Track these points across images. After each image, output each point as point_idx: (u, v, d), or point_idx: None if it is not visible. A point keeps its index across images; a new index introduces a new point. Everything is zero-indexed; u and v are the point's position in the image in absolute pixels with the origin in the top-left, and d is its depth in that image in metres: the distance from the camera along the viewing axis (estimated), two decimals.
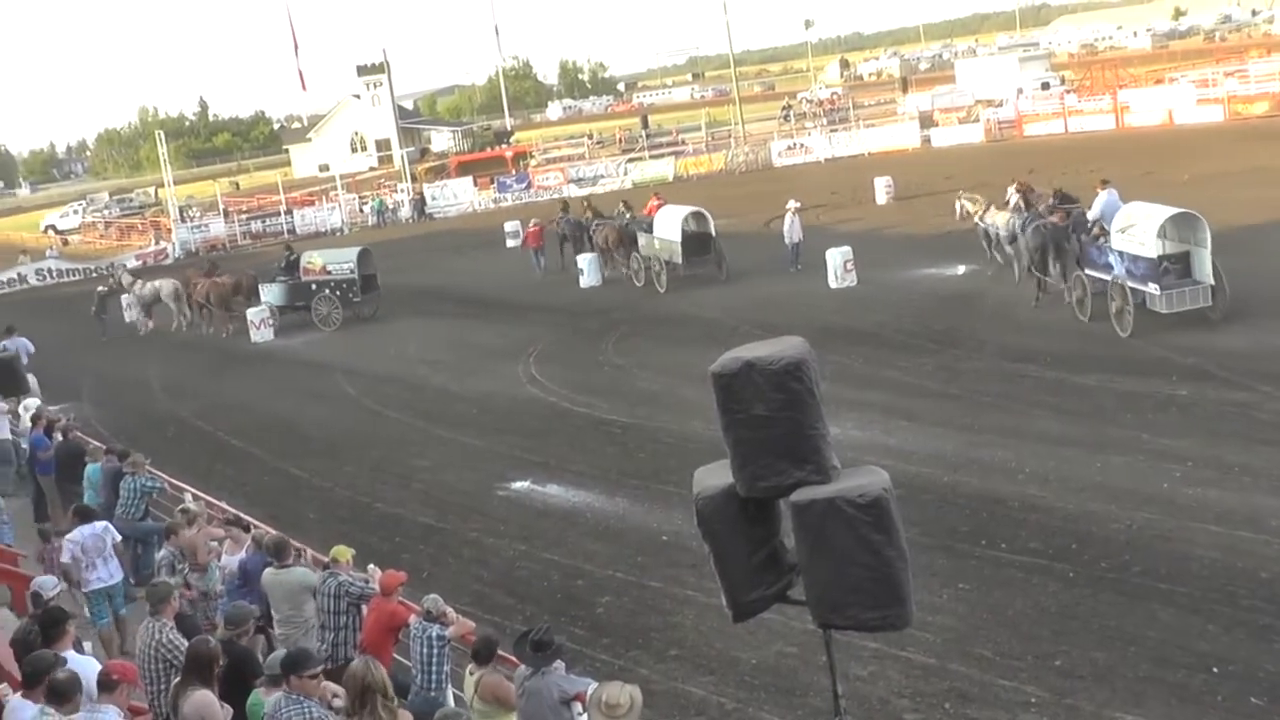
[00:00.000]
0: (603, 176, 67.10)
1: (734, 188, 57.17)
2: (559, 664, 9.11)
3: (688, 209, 34.57)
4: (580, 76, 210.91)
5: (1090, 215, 24.97)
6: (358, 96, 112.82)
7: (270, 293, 36.46)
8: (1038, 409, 19.05)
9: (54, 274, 58.18)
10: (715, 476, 6.48)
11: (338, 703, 8.64)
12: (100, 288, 41.13)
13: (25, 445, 20.56)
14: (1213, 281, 22.16)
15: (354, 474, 20.73)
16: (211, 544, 13.36)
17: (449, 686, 10.31)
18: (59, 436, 19.10)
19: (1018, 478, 16.20)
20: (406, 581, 11.33)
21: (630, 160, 69.54)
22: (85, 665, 9.31)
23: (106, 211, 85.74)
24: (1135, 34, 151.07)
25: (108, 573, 13.82)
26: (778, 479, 6.16)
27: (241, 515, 14.67)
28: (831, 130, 70.28)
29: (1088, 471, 16.01)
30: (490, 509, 18.15)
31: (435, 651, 10.18)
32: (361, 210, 67.52)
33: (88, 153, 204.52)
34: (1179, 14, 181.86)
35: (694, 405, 20.14)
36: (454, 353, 29.83)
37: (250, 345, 34.65)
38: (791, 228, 33.96)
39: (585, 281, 36.06)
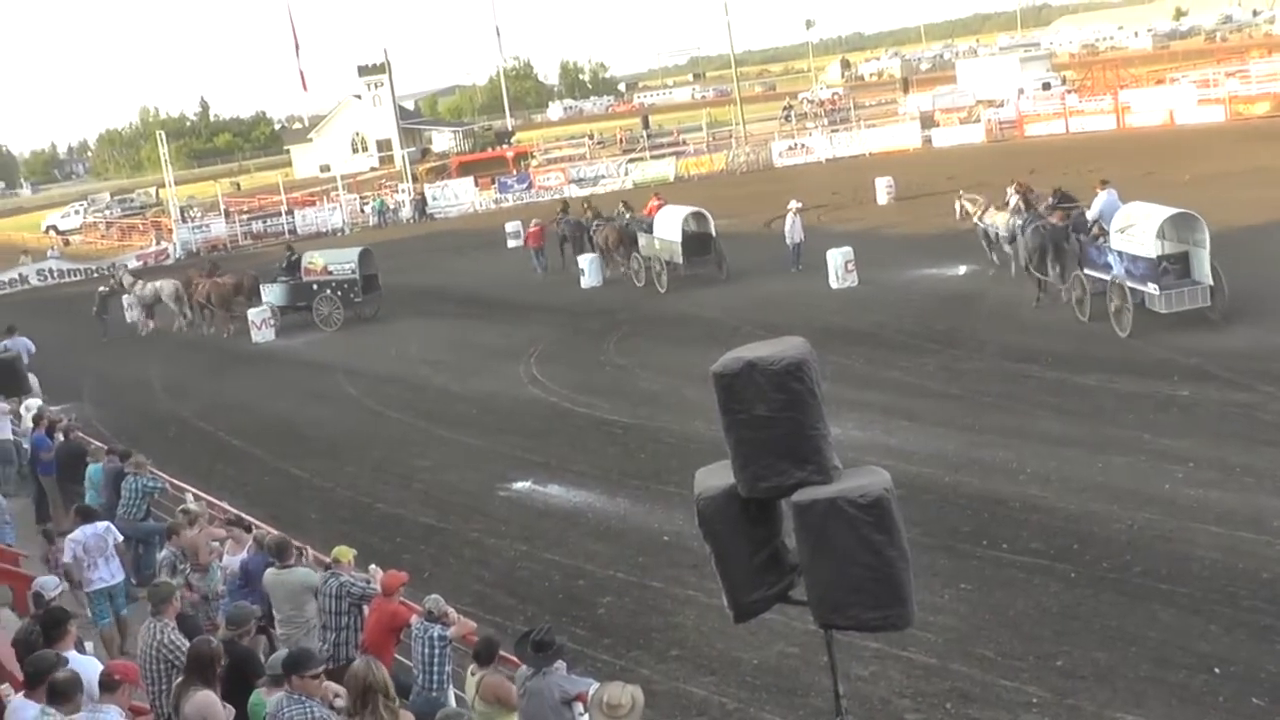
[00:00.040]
0: (604, 177, 67.11)
1: (735, 188, 57.17)
2: (560, 664, 9.12)
3: (688, 209, 34.59)
4: (581, 77, 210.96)
5: (1090, 215, 25.02)
6: (359, 97, 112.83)
7: (271, 293, 36.45)
8: (1039, 409, 19.04)
9: (55, 274, 58.21)
10: (717, 477, 6.48)
11: (339, 703, 8.65)
12: (101, 288, 41.15)
13: (27, 445, 20.57)
14: (1212, 281, 22.18)
15: (355, 474, 20.74)
16: (213, 544, 13.36)
17: (450, 687, 10.31)
18: (60, 437, 19.10)
19: (1019, 478, 16.20)
20: (408, 582, 11.33)
21: (631, 160, 69.56)
22: (87, 665, 9.32)
23: (108, 212, 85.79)
24: (1136, 34, 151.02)
25: (109, 572, 13.83)
26: (779, 479, 6.16)
27: (243, 515, 14.66)
28: (832, 130, 70.27)
29: (1089, 472, 16.00)
30: (491, 509, 18.15)
31: (437, 652, 10.18)
32: (362, 210, 67.56)
33: (89, 153, 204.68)
34: (1180, 14, 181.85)
35: (695, 405, 20.14)
36: (455, 353, 29.83)
37: (251, 345, 34.66)
38: (793, 228, 33.96)
39: (586, 282, 36.06)
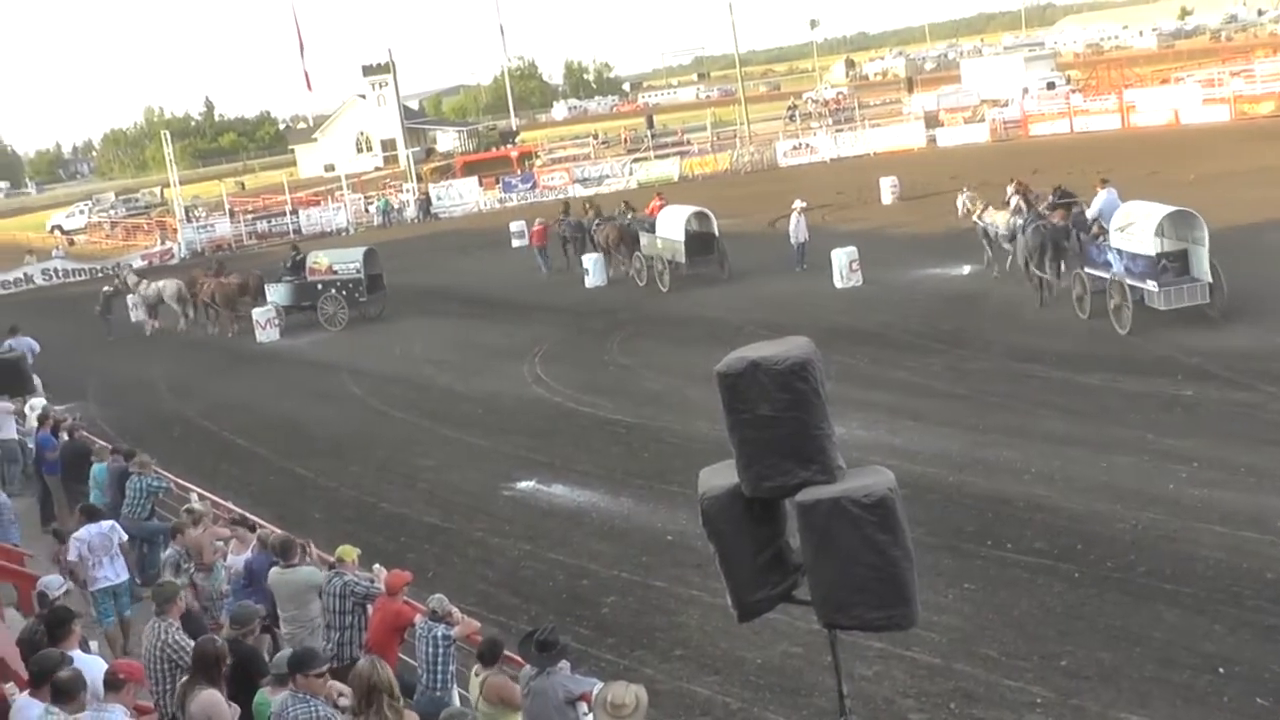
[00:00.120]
0: (608, 176, 67.13)
1: (739, 188, 57.18)
2: (564, 664, 9.12)
3: (691, 209, 34.64)
4: (585, 76, 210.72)
5: (1090, 214, 25.25)
6: (363, 97, 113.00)
7: (276, 293, 36.47)
8: (1044, 409, 19.03)
9: (60, 274, 58.26)
10: (720, 476, 6.48)
11: (344, 701, 8.66)
12: (106, 288, 41.18)
13: (31, 445, 20.61)
14: (1210, 279, 22.29)
15: (359, 474, 20.75)
16: (217, 544, 13.38)
17: (454, 686, 10.32)
18: (64, 436, 19.14)
19: (1024, 478, 16.19)
20: (412, 581, 11.33)
21: (635, 160, 69.59)
22: (91, 665, 9.33)
23: (112, 211, 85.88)
24: (1141, 33, 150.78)
25: (114, 571, 13.85)
26: (783, 479, 6.16)
27: (247, 515, 14.67)
28: (837, 130, 70.25)
29: (1093, 472, 15.99)
30: (495, 509, 18.15)
31: (440, 651, 10.19)
32: (367, 210, 67.61)
33: (93, 153, 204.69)
34: (1185, 14, 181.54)
35: (699, 405, 20.15)
36: (459, 353, 29.85)
37: (256, 345, 34.67)
38: (797, 228, 33.95)
39: (590, 281, 36.06)
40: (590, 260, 36.59)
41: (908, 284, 30.05)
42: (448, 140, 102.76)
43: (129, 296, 40.24)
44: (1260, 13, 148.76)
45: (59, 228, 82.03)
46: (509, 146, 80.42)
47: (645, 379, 24.58)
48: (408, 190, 69.75)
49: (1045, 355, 21.92)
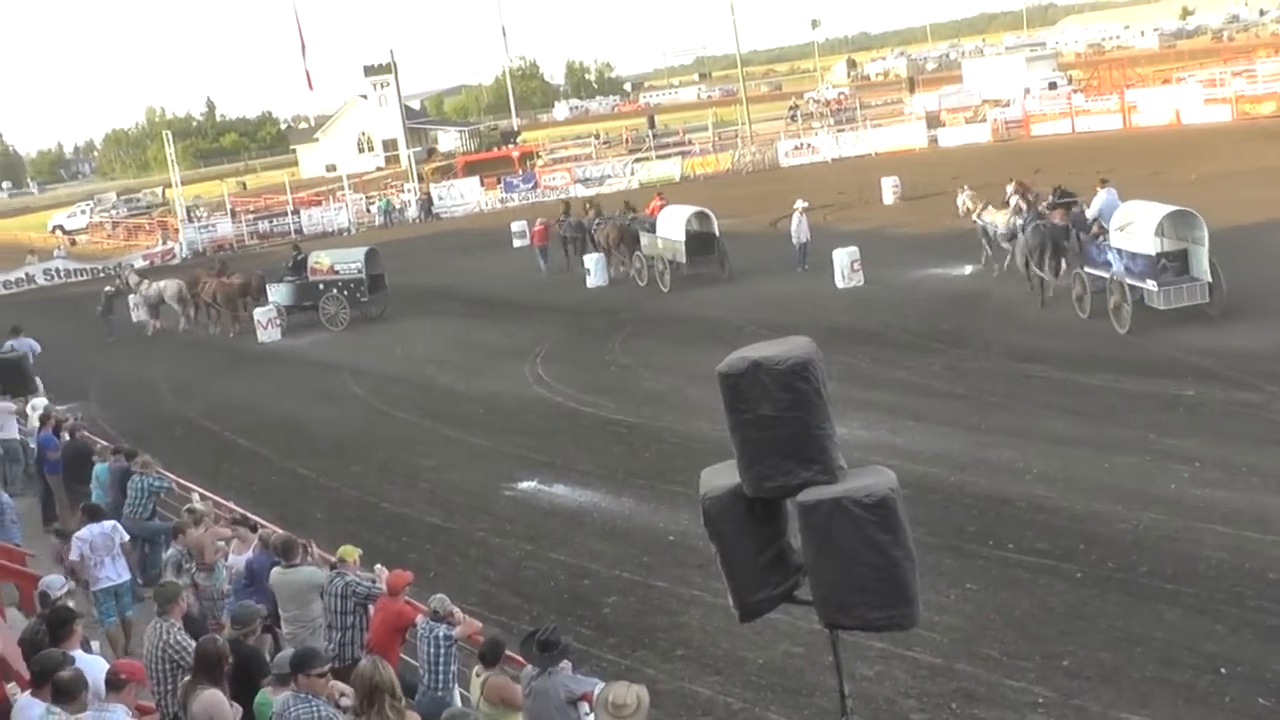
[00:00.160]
0: (609, 177, 67.12)
1: (741, 188, 57.19)
2: (565, 664, 9.11)
3: (691, 209, 34.68)
4: (587, 77, 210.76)
5: (1089, 213, 25.43)
6: (365, 97, 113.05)
7: (278, 293, 36.48)
8: (1045, 409, 19.03)
9: (61, 274, 58.28)
10: (722, 476, 6.48)
11: (345, 701, 8.66)
12: (107, 288, 41.19)
13: (33, 445, 20.62)
14: (1210, 278, 22.36)
15: (361, 474, 20.75)
16: (218, 544, 13.38)
17: (456, 686, 10.32)
18: (66, 436, 19.15)
19: (1025, 478, 16.18)
20: (413, 581, 11.32)
21: (637, 160, 69.60)
22: (93, 665, 9.33)
23: (114, 211, 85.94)
24: (1142, 33, 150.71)
25: (116, 571, 13.85)
26: (784, 479, 6.16)
27: (249, 515, 14.68)
28: (838, 130, 70.25)
29: (1095, 472, 15.98)
30: (497, 509, 18.15)
31: (442, 651, 10.19)
32: (368, 210, 67.63)
33: (95, 153, 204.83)
34: (1186, 14, 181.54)
35: (701, 405, 20.15)
36: (461, 352, 29.85)
37: (257, 345, 34.67)
38: (799, 228, 33.96)
39: (592, 282, 36.07)
40: (592, 260, 36.60)
41: (909, 284, 30.06)
42: (449, 140, 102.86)
43: (130, 297, 40.26)
44: (1262, 13, 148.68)
45: (61, 228, 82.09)
46: (510, 146, 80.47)
47: (647, 379, 24.58)
48: (409, 190, 69.78)
49: (1046, 355, 21.92)
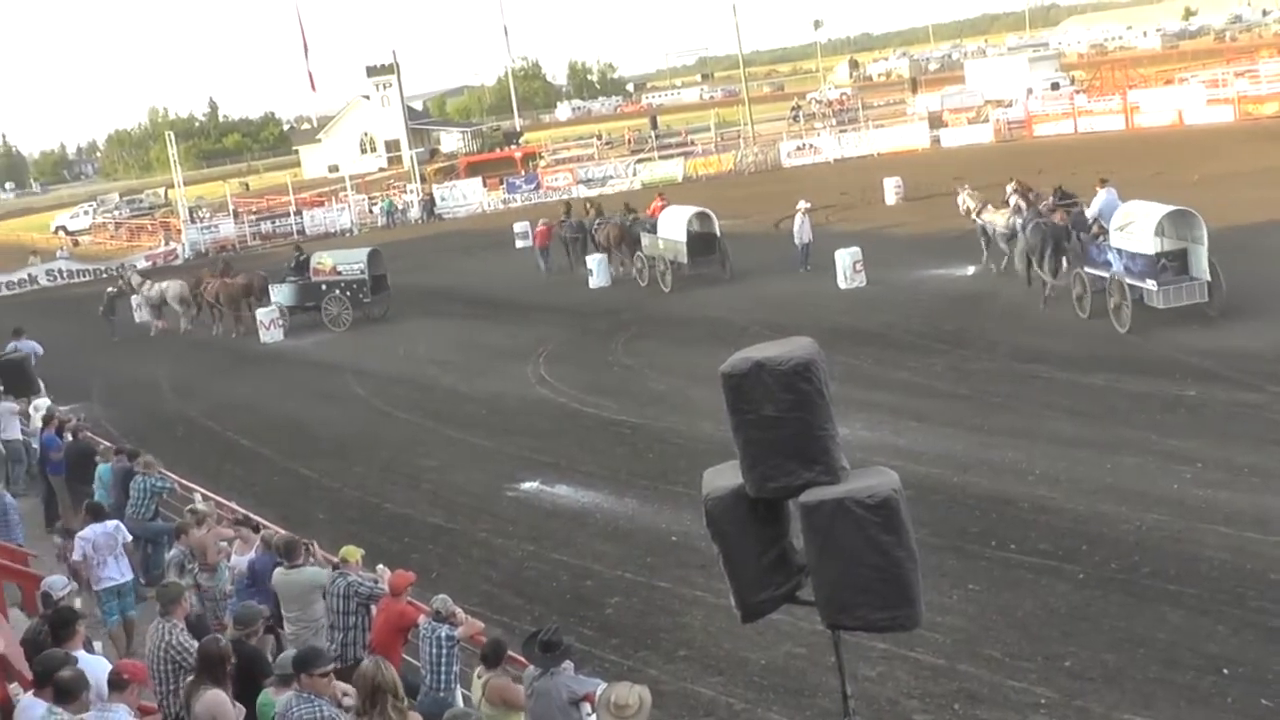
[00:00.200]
0: (612, 177, 67.12)
1: (743, 188, 57.18)
2: (568, 664, 9.11)
3: (692, 209, 34.70)
4: (589, 77, 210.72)
5: (1089, 213, 25.58)
6: (367, 97, 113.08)
7: (280, 293, 36.50)
8: (1048, 410, 19.03)
9: (64, 275, 58.32)
10: (724, 477, 6.48)
11: (348, 701, 8.65)
12: (110, 289, 41.23)
13: (36, 445, 20.64)
14: (1209, 278, 22.41)
15: (363, 474, 20.76)
16: (221, 544, 13.39)
17: (458, 687, 10.32)
18: (69, 436, 19.16)
19: (1028, 479, 16.18)
20: (415, 582, 11.33)
21: (639, 161, 69.59)
22: (95, 665, 9.34)
23: (117, 212, 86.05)
24: (1145, 34, 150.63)
25: (118, 571, 13.86)
26: (787, 480, 6.15)
27: (251, 515, 14.69)
28: (841, 131, 70.21)
29: (1098, 473, 15.98)
30: (499, 509, 18.16)
31: (444, 652, 10.19)
32: (371, 211, 67.62)
33: (98, 154, 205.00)
34: (1189, 14, 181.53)
35: (703, 406, 20.15)
36: (463, 353, 29.86)
37: (260, 346, 34.69)
38: (801, 228, 33.96)
39: (594, 282, 36.07)
40: (594, 261, 36.61)
41: (911, 284, 30.06)
42: (451, 141, 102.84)
43: (133, 297, 40.29)
44: (1265, 13, 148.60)
45: (63, 228, 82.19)
46: (513, 147, 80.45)
47: (649, 379, 24.58)
48: (411, 191, 69.78)
49: (1049, 356, 21.92)
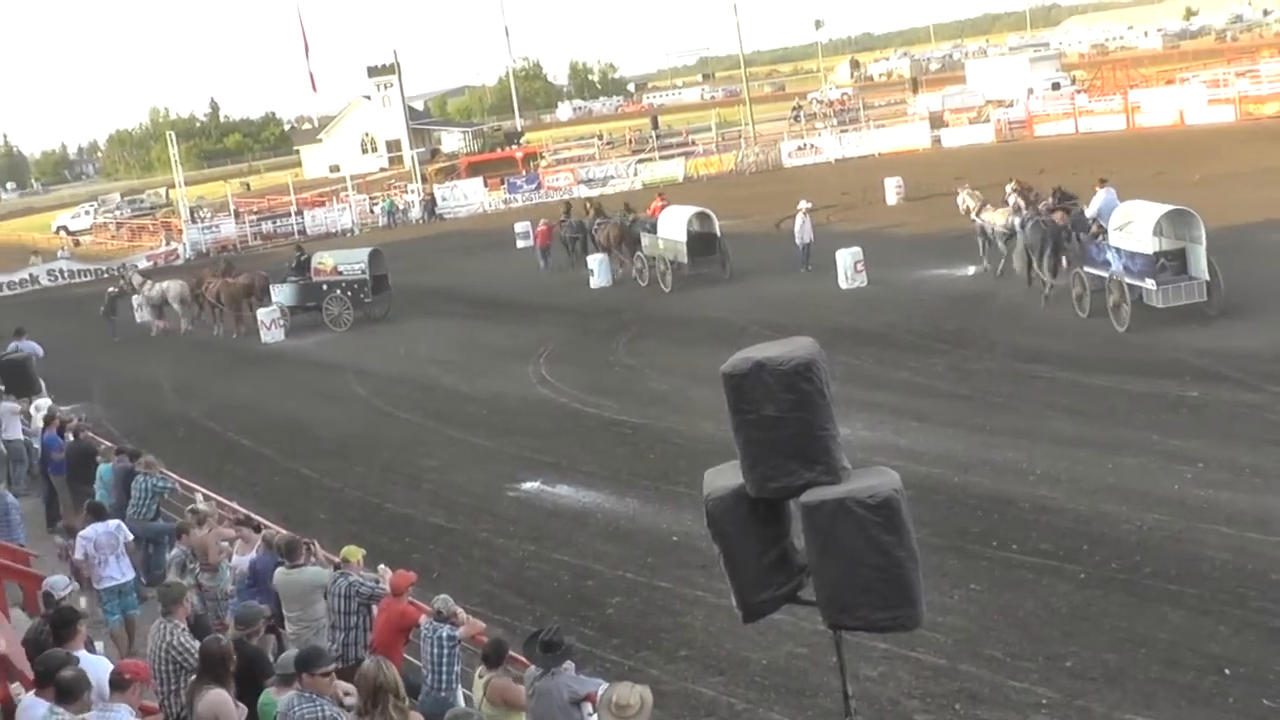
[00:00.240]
0: (613, 177, 67.11)
1: (744, 188, 57.17)
2: (569, 664, 9.11)
3: (692, 209, 34.74)
4: (590, 77, 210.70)
5: (1089, 213, 25.66)
6: (368, 97, 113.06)
7: (281, 293, 36.51)
8: (1049, 410, 19.03)
9: (65, 275, 58.35)
10: (725, 477, 6.48)
11: (350, 700, 8.66)
12: (111, 289, 41.24)
13: (37, 445, 20.65)
14: (1208, 277, 22.45)
15: (364, 474, 20.76)
16: (222, 544, 13.39)
17: (459, 687, 10.32)
18: (70, 436, 19.16)
19: (1029, 479, 16.18)
20: (417, 582, 11.33)
21: (640, 161, 69.58)
22: (96, 665, 9.34)
23: (118, 212, 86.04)
24: (1146, 34, 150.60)
25: (120, 570, 13.87)
26: (788, 480, 6.15)
27: (252, 515, 14.70)
28: (842, 131, 70.19)
29: (1099, 473, 15.98)
30: (500, 509, 18.16)
31: (446, 652, 10.19)
32: (372, 211, 67.61)
33: (99, 154, 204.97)
34: (1190, 14, 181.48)
35: (704, 406, 20.15)
36: (464, 353, 29.86)
37: (261, 346, 34.70)
38: (802, 228, 33.97)
39: (595, 282, 36.08)
40: (595, 261, 36.62)
41: (912, 284, 30.06)
42: (452, 141, 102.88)
43: (134, 297, 40.29)
44: (1266, 13, 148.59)
45: (64, 228, 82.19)
46: (514, 147, 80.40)
47: (650, 379, 24.58)
48: (412, 191, 69.76)
49: (1050, 356, 21.92)
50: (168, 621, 10.22)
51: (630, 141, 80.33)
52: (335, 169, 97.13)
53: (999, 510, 15.21)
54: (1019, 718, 10.67)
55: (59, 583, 12.06)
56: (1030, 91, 70.89)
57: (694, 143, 75.74)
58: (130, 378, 32.07)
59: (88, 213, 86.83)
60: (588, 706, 8.73)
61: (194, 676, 9.17)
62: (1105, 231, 24.02)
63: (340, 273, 36.00)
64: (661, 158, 70.40)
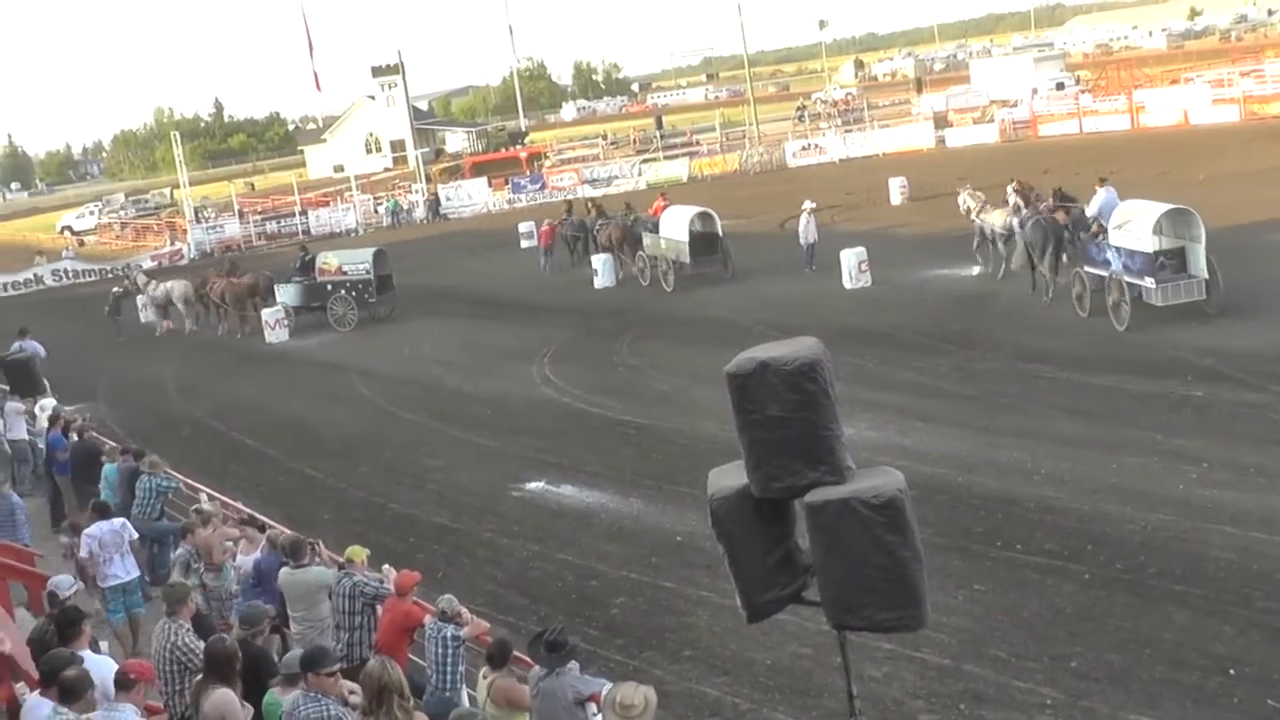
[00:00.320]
0: (617, 177, 67.15)
1: (748, 188, 57.19)
2: (573, 664, 9.12)
3: (694, 209, 34.75)
4: (594, 77, 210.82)
5: (1089, 212, 25.80)
6: (372, 97, 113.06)
7: (286, 293, 36.53)
8: (1053, 410, 19.02)
9: (70, 275, 58.41)
10: (730, 477, 6.47)
11: (354, 699, 8.66)
12: (115, 289, 41.28)
13: (42, 445, 20.66)
14: (1207, 275, 22.48)
15: (368, 474, 20.77)
16: (226, 544, 13.40)
17: (464, 687, 10.32)
18: (75, 436, 19.18)
19: (1033, 479, 16.17)
20: (421, 582, 11.35)
21: (644, 161, 69.60)
22: (101, 665, 9.35)
23: (122, 212, 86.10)
24: (1150, 34, 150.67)
25: (124, 569, 13.91)
26: (792, 480, 6.15)
27: (256, 515, 14.71)
28: (846, 131, 70.20)
29: (1103, 472, 15.97)
30: (504, 509, 18.16)
31: (450, 652, 10.19)
32: (376, 211, 67.68)
33: (103, 154, 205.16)
34: (1194, 14, 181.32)
35: (708, 406, 20.15)
36: (468, 353, 29.86)
37: (265, 346, 34.72)
38: (807, 228, 33.97)
39: (599, 282, 36.09)
40: (599, 261, 36.64)
41: (917, 285, 30.05)
42: (457, 141, 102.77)
43: (138, 297, 40.32)
44: (1270, 13, 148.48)
45: (69, 228, 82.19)
46: (518, 147, 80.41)
47: (654, 380, 24.58)
48: (417, 191, 69.80)
49: (1054, 356, 21.91)
50: (172, 621, 10.23)
51: (634, 142, 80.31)
52: (340, 169, 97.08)
53: (1003, 510, 15.20)
54: (1024, 718, 10.66)
55: (64, 582, 12.08)
56: (1035, 91, 70.89)
57: (698, 143, 75.75)
58: (135, 378, 32.09)
59: (92, 213, 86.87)
60: (592, 706, 8.74)
61: (200, 676, 9.18)
62: (1105, 231, 24.06)
63: (345, 273, 36.02)
64: (666, 158, 70.43)
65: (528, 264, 42.56)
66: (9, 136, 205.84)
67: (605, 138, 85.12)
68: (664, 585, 14.51)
